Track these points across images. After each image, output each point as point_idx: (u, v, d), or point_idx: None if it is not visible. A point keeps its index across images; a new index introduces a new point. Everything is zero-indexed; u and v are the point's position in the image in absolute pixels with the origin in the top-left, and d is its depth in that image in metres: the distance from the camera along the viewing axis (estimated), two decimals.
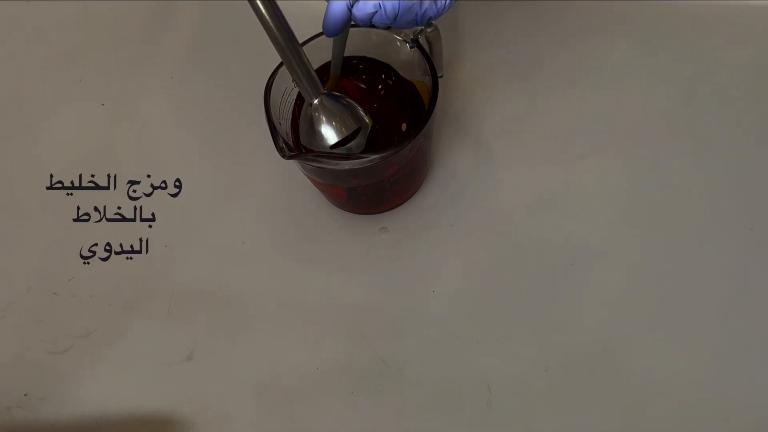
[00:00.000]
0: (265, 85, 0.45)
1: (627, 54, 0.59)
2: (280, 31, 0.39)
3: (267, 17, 0.38)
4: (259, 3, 0.38)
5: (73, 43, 0.64)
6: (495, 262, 0.51)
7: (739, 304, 0.48)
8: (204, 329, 0.51)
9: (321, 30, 0.46)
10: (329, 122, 0.44)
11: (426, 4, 0.40)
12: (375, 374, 0.48)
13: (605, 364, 0.47)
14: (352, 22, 0.42)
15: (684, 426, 0.45)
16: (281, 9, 0.39)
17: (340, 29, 0.42)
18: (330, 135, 0.44)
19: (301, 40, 0.45)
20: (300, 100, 0.49)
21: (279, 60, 0.45)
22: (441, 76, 0.47)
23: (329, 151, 0.45)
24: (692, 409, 0.46)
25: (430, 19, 0.41)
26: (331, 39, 0.44)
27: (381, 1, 0.39)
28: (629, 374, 0.47)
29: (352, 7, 0.40)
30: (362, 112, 0.45)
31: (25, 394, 0.49)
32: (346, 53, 0.47)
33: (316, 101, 0.43)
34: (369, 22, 0.41)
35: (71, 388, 0.49)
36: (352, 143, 0.44)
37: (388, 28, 0.42)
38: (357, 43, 0.48)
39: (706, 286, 0.49)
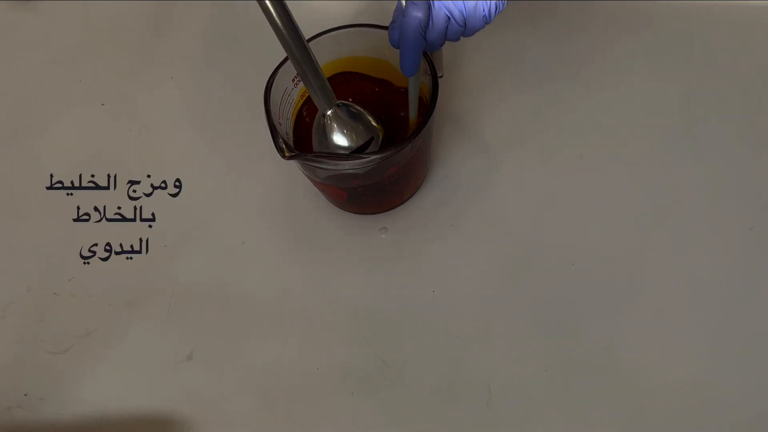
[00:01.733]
0: (265, 85, 0.45)
1: (627, 54, 0.59)
2: (296, 45, 0.39)
3: (285, 33, 0.38)
4: (277, 19, 0.38)
5: (73, 43, 0.64)
6: (495, 262, 0.51)
7: (739, 304, 0.48)
8: (204, 329, 0.51)
9: (322, 30, 0.47)
10: (341, 132, 0.44)
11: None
12: (375, 374, 0.48)
13: (605, 364, 0.47)
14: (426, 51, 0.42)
15: (684, 426, 0.45)
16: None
17: (419, 64, 0.42)
18: (342, 144, 0.44)
19: None
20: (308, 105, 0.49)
21: (279, 60, 0.45)
22: (441, 76, 0.47)
23: (329, 151, 0.45)
24: (692, 409, 0.46)
25: (497, 10, 0.40)
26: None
27: (448, 13, 0.39)
28: (629, 374, 0.47)
29: (425, 34, 0.40)
30: (374, 122, 0.45)
31: (25, 394, 0.49)
32: (347, 62, 0.47)
33: (329, 112, 0.43)
34: (443, 41, 0.41)
35: (71, 388, 0.49)
36: (364, 153, 0.45)
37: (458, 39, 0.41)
38: (357, 44, 0.48)
39: (706, 286, 0.49)
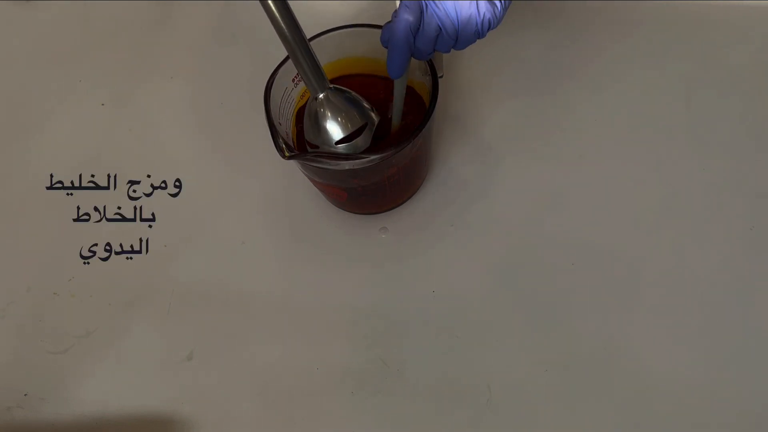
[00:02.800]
0: (265, 85, 0.45)
1: (627, 54, 0.59)
2: (286, 22, 0.38)
3: (273, 8, 0.38)
4: None
5: (73, 43, 0.64)
6: (495, 262, 0.51)
7: (739, 304, 0.48)
8: (204, 329, 0.51)
9: (322, 30, 0.47)
10: (334, 118, 0.43)
11: (482, 6, 0.39)
12: (375, 374, 0.48)
13: (605, 363, 0.47)
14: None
15: (684, 425, 0.45)
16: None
17: (405, 67, 0.41)
18: (335, 131, 0.43)
19: None
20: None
21: (279, 60, 0.45)
22: (441, 77, 0.47)
23: (329, 151, 0.44)
24: (692, 408, 0.46)
25: (490, 27, 0.40)
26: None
27: (439, 22, 0.38)
28: (629, 374, 0.47)
29: (414, 39, 0.39)
30: (369, 109, 0.44)
31: (25, 394, 0.49)
32: (347, 62, 0.47)
33: (321, 96, 0.42)
34: (432, 51, 0.40)
35: (71, 388, 0.49)
36: (358, 140, 0.44)
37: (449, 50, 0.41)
38: (357, 45, 0.48)
39: (706, 286, 0.49)
